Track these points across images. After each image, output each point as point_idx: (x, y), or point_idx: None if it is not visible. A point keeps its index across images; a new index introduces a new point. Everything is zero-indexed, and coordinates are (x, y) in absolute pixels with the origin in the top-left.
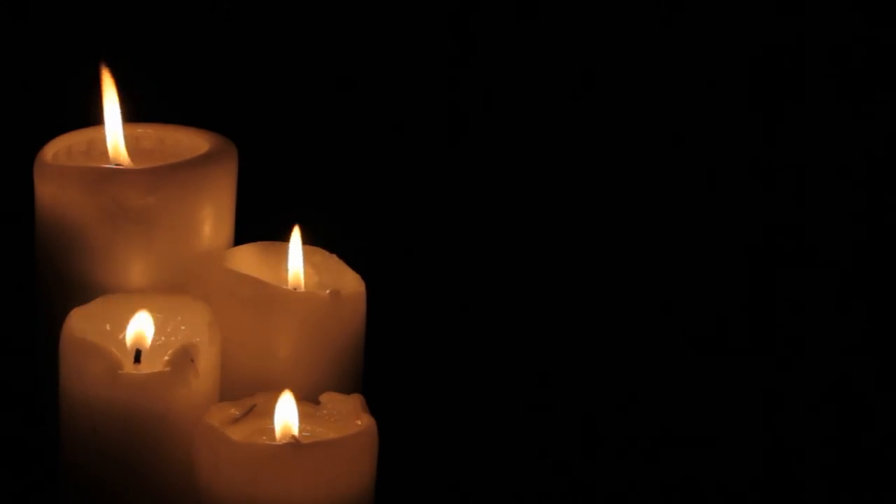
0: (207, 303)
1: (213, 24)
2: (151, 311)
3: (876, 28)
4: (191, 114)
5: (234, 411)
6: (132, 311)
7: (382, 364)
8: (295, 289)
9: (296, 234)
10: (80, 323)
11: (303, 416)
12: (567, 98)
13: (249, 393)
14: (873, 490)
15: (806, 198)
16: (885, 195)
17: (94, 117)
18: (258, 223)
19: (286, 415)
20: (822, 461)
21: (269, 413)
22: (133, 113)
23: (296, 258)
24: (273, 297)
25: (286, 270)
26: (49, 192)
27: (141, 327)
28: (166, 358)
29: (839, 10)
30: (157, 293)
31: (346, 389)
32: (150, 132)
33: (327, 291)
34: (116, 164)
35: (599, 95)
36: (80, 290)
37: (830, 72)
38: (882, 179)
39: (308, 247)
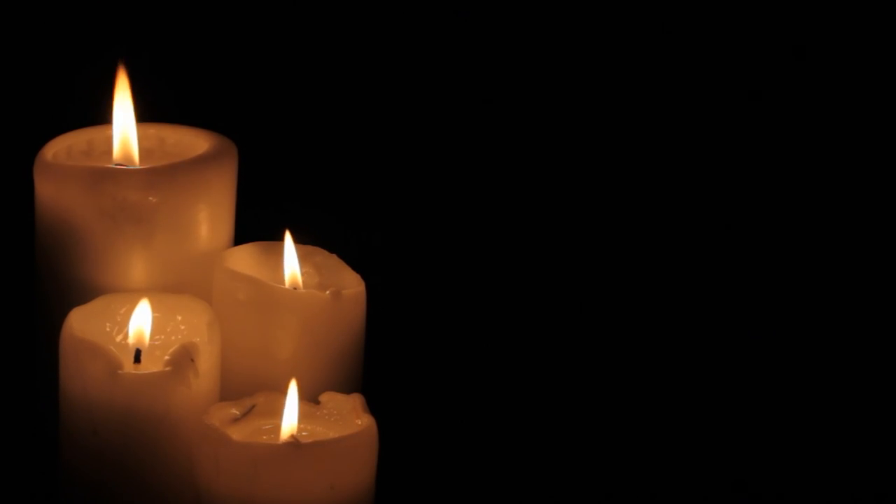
0: (207, 303)
1: (213, 24)
2: (151, 310)
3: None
4: (191, 114)
5: (234, 411)
6: (132, 311)
7: (382, 364)
8: (294, 289)
9: (288, 238)
10: (80, 323)
11: (303, 416)
12: (565, 98)
13: (249, 393)
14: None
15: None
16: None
17: (95, 117)
18: (258, 223)
19: (292, 407)
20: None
21: (269, 413)
22: (134, 113)
23: (291, 260)
24: (273, 297)
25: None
26: (49, 192)
27: (141, 324)
28: (166, 358)
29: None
30: (156, 293)
31: (346, 389)
32: (151, 132)
33: (327, 291)
34: (117, 164)
35: (597, 96)
36: (80, 291)
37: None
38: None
39: (308, 247)
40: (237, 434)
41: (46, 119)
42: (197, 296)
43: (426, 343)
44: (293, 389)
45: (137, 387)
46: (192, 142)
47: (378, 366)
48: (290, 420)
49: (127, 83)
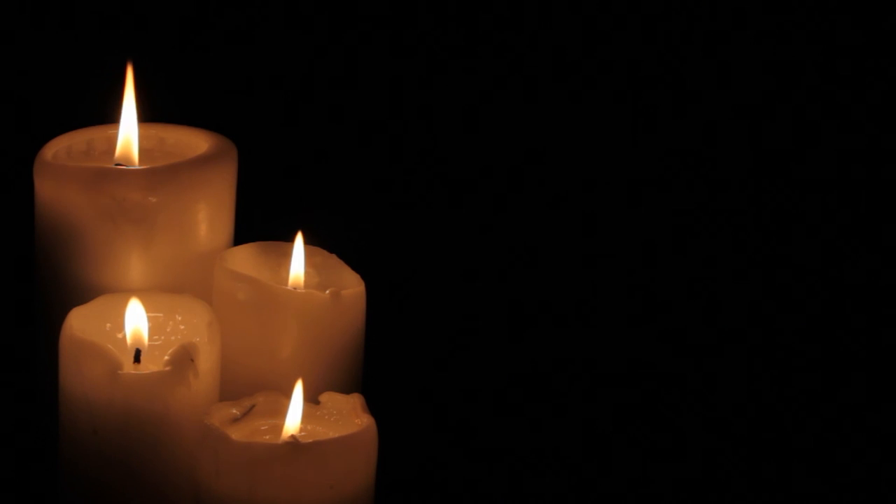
0: (207, 303)
1: (214, 25)
2: (151, 310)
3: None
4: (191, 114)
5: (235, 411)
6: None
7: (382, 364)
8: (295, 289)
9: (299, 240)
10: (80, 323)
11: (302, 416)
12: (565, 101)
13: (249, 393)
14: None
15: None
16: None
17: (95, 117)
18: (258, 223)
19: (296, 408)
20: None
21: (269, 413)
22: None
23: (298, 262)
24: (273, 297)
25: (287, 271)
26: (49, 192)
27: (137, 324)
28: (166, 358)
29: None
30: (156, 292)
31: (346, 389)
32: (151, 132)
33: (327, 291)
34: (117, 164)
35: (596, 97)
36: (80, 290)
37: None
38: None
39: (308, 247)
40: (237, 434)
41: (46, 119)
42: (197, 296)
43: (426, 343)
44: (298, 390)
45: (137, 387)
46: (192, 142)
47: (378, 366)
48: (293, 420)
49: (133, 83)
